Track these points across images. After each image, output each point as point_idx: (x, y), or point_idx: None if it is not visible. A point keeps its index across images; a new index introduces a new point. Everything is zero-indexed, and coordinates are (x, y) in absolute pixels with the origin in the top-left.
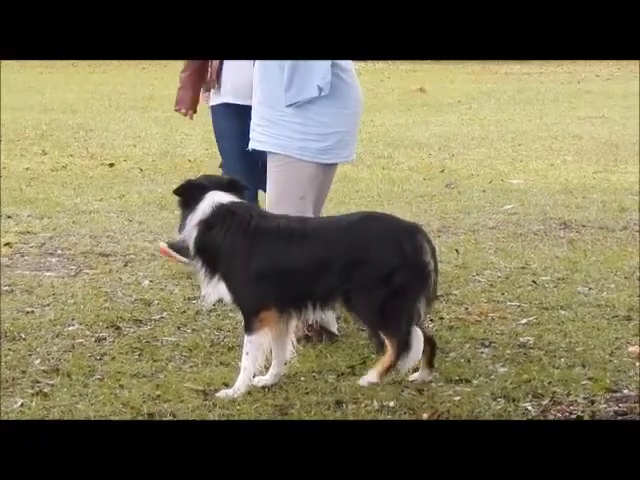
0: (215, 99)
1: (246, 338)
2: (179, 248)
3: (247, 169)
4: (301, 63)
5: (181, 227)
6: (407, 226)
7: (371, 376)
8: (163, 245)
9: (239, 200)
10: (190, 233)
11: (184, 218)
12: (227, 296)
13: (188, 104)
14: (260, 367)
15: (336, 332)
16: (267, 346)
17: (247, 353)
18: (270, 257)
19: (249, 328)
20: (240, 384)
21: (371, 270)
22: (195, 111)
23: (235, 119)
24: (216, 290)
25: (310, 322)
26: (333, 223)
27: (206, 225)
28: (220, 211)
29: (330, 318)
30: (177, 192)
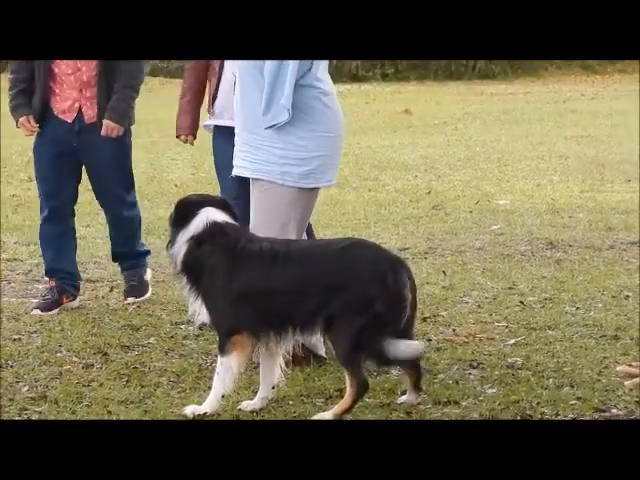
0: (211, 120)
1: (218, 359)
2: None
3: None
4: (276, 86)
5: (171, 243)
6: (392, 258)
7: (327, 415)
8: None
9: (231, 221)
10: (180, 249)
11: (175, 234)
12: (207, 316)
13: (188, 129)
14: (229, 388)
15: (324, 355)
16: (237, 369)
17: (218, 373)
18: (250, 279)
19: (221, 349)
20: (208, 403)
21: (351, 297)
22: (195, 137)
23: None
24: (202, 310)
25: (294, 346)
26: (319, 247)
27: (196, 242)
28: (212, 229)
29: (316, 341)
30: (175, 206)
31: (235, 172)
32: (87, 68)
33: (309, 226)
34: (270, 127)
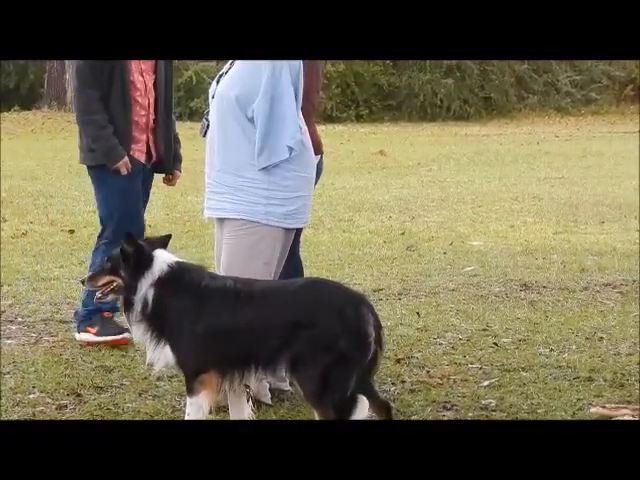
0: None
1: (187, 400)
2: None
3: None
4: (272, 126)
5: (130, 289)
6: (351, 295)
7: None
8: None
9: (186, 260)
10: (146, 294)
11: (135, 281)
12: (171, 358)
13: None
14: None
15: (269, 401)
16: (207, 408)
17: (188, 414)
18: (215, 318)
19: (189, 390)
20: None
21: (313, 335)
22: None
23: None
24: (163, 355)
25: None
26: (281, 286)
27: (162, 284)
28: (177, 270)
29: (261, 388)
30: (130, 250)
31: (208, 214)
32: (152, 111)
33: (300, 264)
34: (264, 168)
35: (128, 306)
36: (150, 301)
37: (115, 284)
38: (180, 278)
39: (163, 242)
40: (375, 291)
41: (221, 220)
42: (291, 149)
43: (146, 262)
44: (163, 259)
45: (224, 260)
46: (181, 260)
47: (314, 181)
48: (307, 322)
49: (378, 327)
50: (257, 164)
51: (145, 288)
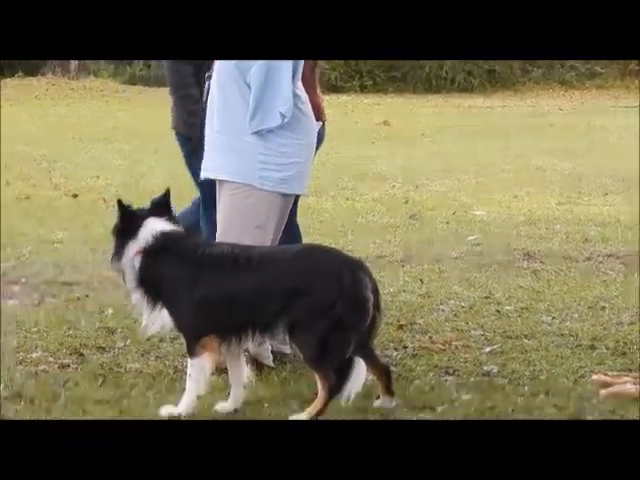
0: None
1: (189, 361)
2: None
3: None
4: (266, 92)
5: (117, 256)
6: (348, 260)
7: (302, 416)
8: None
9: (177, 228)
10: (131, 262)
11: (121, 247)
12: (170, 323)
13: None
14: (203, 389)
15: (271, 363)
16: (209, 370)
17: (190, 375)
18: (212, 284)
19: (191, 352)
20: (183, 404)
21: (311, 301)
22: None
23: None
24: (159, 319)
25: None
26: (277, 253)
27: (148, 254)
28: (163, 239)
29: (263, 350)
30: (119, 219)
31: (207, 174)
32: None
33: (298, 231)
34: (257, 132)
35: (120, 272)
36: (137, 269)
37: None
38: (169, 247)
39: (163, 204)
40: (378, 258)
41: (220, 182)
42: (283, 116)
43: (133, 231)
44: (150, 228)
45: (219, 222)
46: (171, 228)
47: (314, 149)
48: (304, 288)
49: (376, 292)
50: (249, 128)
51: (131, 256)
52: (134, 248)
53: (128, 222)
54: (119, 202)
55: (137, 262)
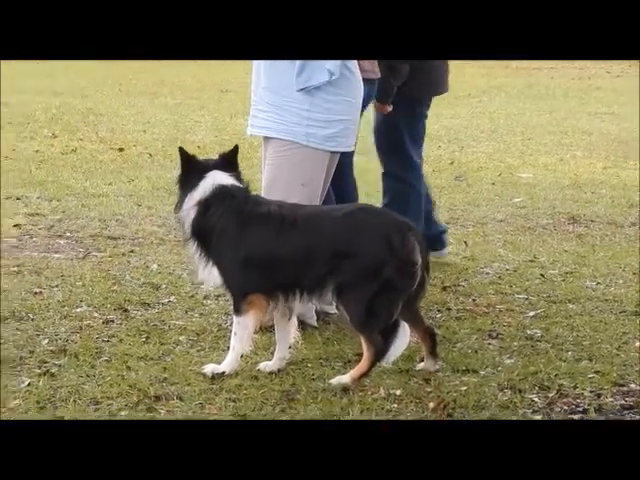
0: None
1: (234, 319)
2: None
3: None
4: None
5: (178, 206)
6: (397, 222)
7: (345, 378)
8: None
9: (237, 183)
10: (188, 213)
11: (182, 198)
12: (218, 279)
13: None
14: (247, 348)
15: (314, 324)
16: (253, 328)
17: (235, 333)
18: (259, 242)
19: (237, 310)
20: (227, 362)
21: (359, 263)
22: None
23: None
24: (211, 275)
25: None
26: (325, 213)
27: (204, 206)
28: (219, 192)
29: (307, 310)
30: (183, 169)
31: (252, 131)
32: None
33: (355, 189)
34: (303, 89)
35: (180, 223)
36: (191, 220)
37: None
38: (223, 202)
39: (227, 159)
40: None
41: (266, 139)
42: (331, 73)
43: (195, 181)
44: (212, 181)
45: (265, 179)
46: (228, 183)
47: (360, 107)
48: (353, 250)
49: (424, 254)
50: (296, 85)
51: (189, 207)
52: (193, 199)
53: (191, 172)
54: (182, 151)
55: (193, 213)
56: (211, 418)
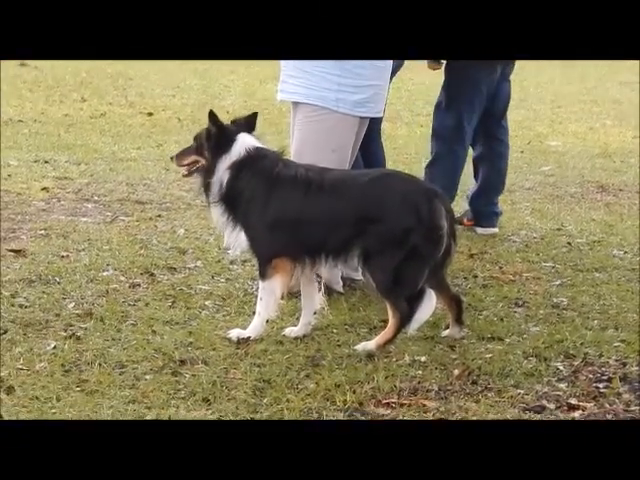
0: None
1: (260, 284)
2: None
3: None
4: None
5: (210, 170)
6: (425, 188)
7: (370, 344)
8: None
9: (265, 146)
10: (222, 176)
11: (214, 162)
12: (244, 243)
13: None
14: (273, 313)
15: (340, 289)
16: (280, 292)
17: (261, 298)
18: (286, 205)
19: (263, 274)
20: (252, 327)
21: (385, 229)
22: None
23: None
24: (238, 240)
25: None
26: (352, 177)
27: (237, 168)
28: (252, 155)
29: (333, 276)
30: (213, 132)
31: (282, 97)
32: None
33: (382, 154)
34: None
35: (207, 187)
36: (225, 184)
37: (200, 164)
38: (254, 164)
39: (249, 123)
40: None
41: (296, 105)
42: None
43: (226, 144)
44: (243, 143)
45: (295, 145)
46: (261, 146)
47: (389, 72)
48: (379, 215)
49: (451, 221)
50: None
51: (222, 170)
52: (226, 162)
53: (222, 136)
54: (212, 116)
55: (226, 177)
56: (235, 383)
